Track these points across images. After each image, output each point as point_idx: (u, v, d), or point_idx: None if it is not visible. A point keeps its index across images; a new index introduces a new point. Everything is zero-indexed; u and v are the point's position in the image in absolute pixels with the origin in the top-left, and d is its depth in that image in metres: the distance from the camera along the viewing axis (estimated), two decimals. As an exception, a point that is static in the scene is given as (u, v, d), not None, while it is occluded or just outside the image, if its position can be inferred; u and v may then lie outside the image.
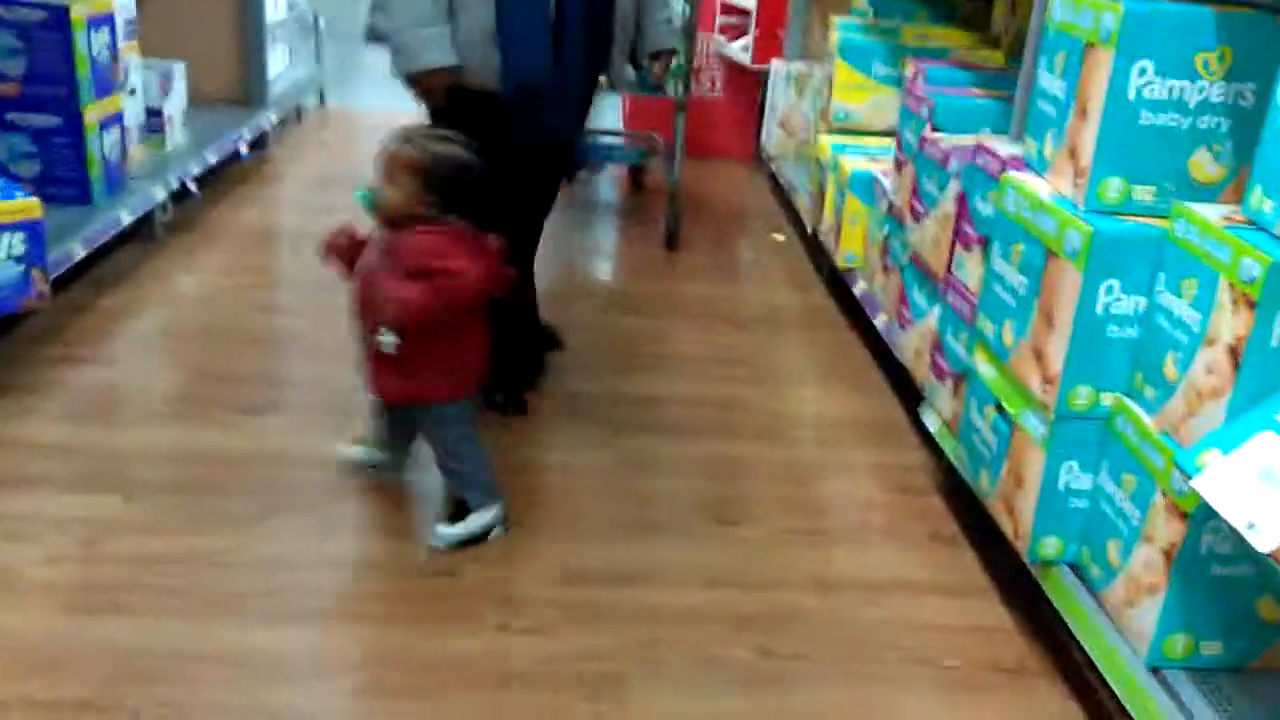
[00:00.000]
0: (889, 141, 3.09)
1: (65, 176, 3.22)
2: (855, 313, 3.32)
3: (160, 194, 3.60)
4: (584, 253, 4.07)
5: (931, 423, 2.44)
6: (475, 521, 2.14)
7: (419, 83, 2.41)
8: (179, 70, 3.99)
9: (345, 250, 2.09)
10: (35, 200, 2.58)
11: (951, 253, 2.38)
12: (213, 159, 4.05)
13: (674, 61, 2.83)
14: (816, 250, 3.85)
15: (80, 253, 3.02)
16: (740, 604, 2.05)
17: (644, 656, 1.89)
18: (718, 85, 5.38)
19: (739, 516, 2.34)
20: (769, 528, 2.31)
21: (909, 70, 2.86)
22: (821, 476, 2.54)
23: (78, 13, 3.13)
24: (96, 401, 2.64)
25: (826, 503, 2.44)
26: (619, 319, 3.38)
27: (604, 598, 2.03)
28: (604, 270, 3.97)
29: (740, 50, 5.17)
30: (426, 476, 2.29)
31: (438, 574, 2.07)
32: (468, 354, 2.09)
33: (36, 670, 1.75)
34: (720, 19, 5.32)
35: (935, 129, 2.63)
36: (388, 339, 1.97)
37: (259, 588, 1.99)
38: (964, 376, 2.23)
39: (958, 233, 2.35)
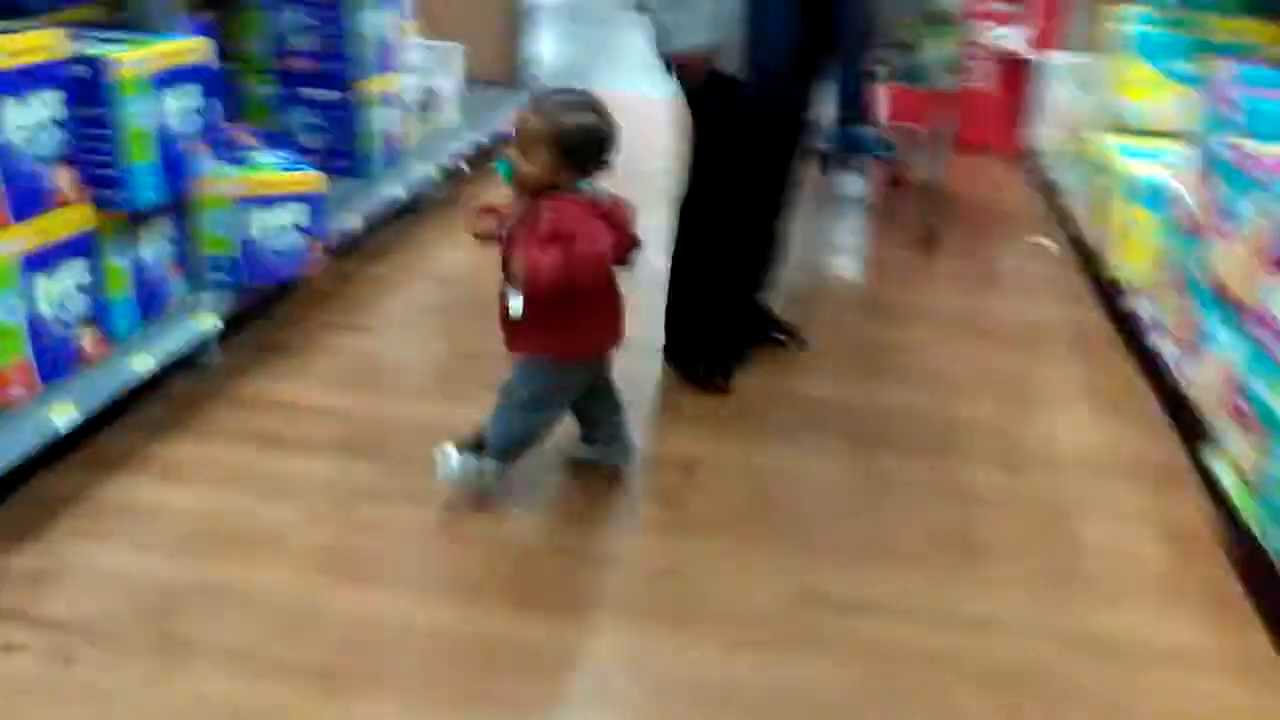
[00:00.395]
0: (1183, 146, 2.80)
1: (346, 150, 3.41)
2: (1131, 334, 3.04)
3: (433, 171, 3.75)
4: (832, 250, 3.94)
5: (1221, 470, 2.18)
6: (482, 464, 2.18)
7: (676, 63, 2.42)
8: (456, 50, 4.15)
9: (490, 226, 2.10)
10: (319, 174, 2.73)
11: (1262, 279, 2.12)
12: (483, 138, 4.20)
13: (921, 51, 2.73)
14: (1088, 261, 3.56)
15: (356, 224, 3.19)
16: (988, 654, 1.89)
17: (880, 698, 1.78)
18: (983, 75, 5.08)
19: (986, 551, 2.18)
20: (1020, 568, 2.13)
21: (1217, 69, 2.57)
22: (1081, 516, 2.33)
23: (368, -6, 3.29)
24: (361, 369, 2.77)
25: (1085, 546, 2.23)
26: (865, 324, 3.25)
27: (840, 625, 1.94)
28: (853, 270, 3.83)
29: (1012, 39, 4.85)
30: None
31: (663, 573, 2.04)
32: (585, 324, 2.09)
33: (283, 631, 1.85)
34: (993, 4, 5.01)
35: (1248, 137, 2.35)
36: (515, 303, 2.02)
37: (501, 570, 2.03)
38: (1270, 425, 1.97)
39: (1271, 257, 2.08)
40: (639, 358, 2.85)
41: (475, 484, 2.20)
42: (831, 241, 3.99)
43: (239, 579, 1.96)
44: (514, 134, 2.00)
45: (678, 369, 2.79)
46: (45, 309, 2.07)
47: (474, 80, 4.50)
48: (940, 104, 3.94)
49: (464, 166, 4.06)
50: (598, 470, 2.35)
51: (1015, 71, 4.98)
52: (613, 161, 2.03)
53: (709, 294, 2.74)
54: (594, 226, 1.97)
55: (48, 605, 1.87)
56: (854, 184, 4.57)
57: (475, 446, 2.19)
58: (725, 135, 2.51)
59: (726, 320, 2.79)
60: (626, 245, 2.06)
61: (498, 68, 4.84)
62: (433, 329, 3.07)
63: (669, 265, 2.75)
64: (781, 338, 2.99)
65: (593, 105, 2.00)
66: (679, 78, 2.47)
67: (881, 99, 4.77)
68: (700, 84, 2.44)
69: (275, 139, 3.05)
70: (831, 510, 2.29)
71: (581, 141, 1.97)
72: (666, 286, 2.77)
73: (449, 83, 4.13)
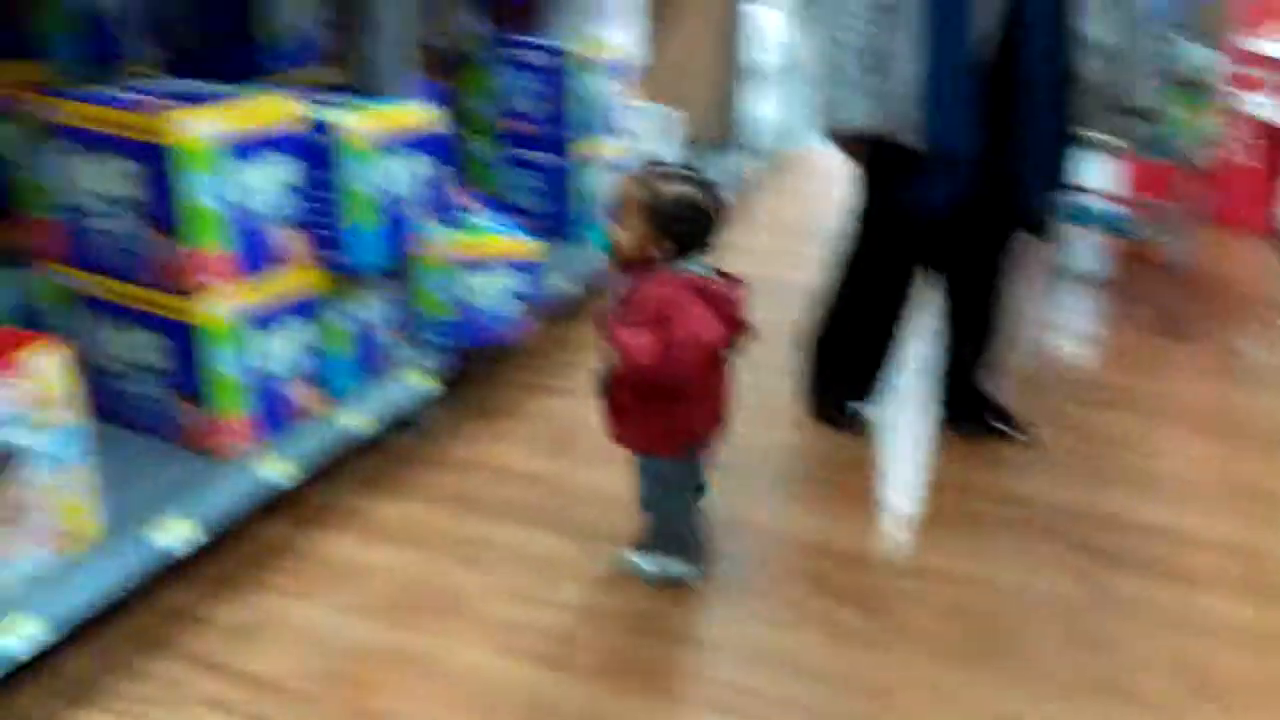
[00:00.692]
0: None
1: (562, 213, 3.44)
2: None
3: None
4: (1058, 330, 3.66)
5: None
6: (662, 564, 2.11)
7: (838, 140, 2.39)
8: (675, 115, 4.14)
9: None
10: (538, 242, 2.74)
11: None
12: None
13: (1158, 120, 2.54)
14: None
15: (568, 287, 3.19)
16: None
17: None
18: (1237, 147, 4.66)
19: (1224, 696, 1.90)
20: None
21: None
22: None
23: (590, 58, 3.32)
24: (564, 435, 2.74)
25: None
26: (1097, 416, 2.97)
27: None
28: (1082, 354, 3.54)
29: (1270, 108, 4.43)
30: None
31: (869, 693, 1.88)
32: (686, 415, 1.95)
33: (468, 707, 1.80)
34: (1244, 70, 4.60)
35: None
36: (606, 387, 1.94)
37: (687, 666, 1.92)
38: None
39: None
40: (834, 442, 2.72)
41: (670, 580, 2.12)
42: (1061, 322, 3.72)
43: (432, 649, 1.94)
44: (613, 203, 1.89)
45: (812, 407, 2.83)
46: (269, 365, 2.13)
47: (691, 143, 4.49)
48: (1189, 178, 3.62)
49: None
50: (789, 564, 2.21)
51: (1274, 143, 4.55)
52: (717, 241, 1.89)
53: (852, 343, 2.75)
54: (696, 310, 1.81)
55: (251, 661, 1.89)
56: (1089, 260, 4.27)
57: (648, 550, 2.12)
58: (891, 212, 2.44)
59: (867, 367, 2.77)
60: (735, 332, 1.90)
61: (715, 130, 4.82)
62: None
63: (821, 304, 2.77)
64: (1002, 427, 2.77)
65: (698, 179, 1.86)
66: (843, 153, 2.44)
67: (1122, 170, 4.46)
68: (862, 162, 2.43)
69: (494, 202, 3.10)
70: (1049, 633, 2.07)
71: (678, 214, 1.83)
72: (815, 323, 2.79)
73: (667, 146, 4.12)
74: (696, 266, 1.87)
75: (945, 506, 2.47)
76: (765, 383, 3.08)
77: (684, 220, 1.83)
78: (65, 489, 1.72)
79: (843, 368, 2.82)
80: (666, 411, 1.93)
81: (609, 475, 2.53)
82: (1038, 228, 2.49)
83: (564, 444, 2.69)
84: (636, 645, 1.98)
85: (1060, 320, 3.72)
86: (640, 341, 1.81)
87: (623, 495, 2.42)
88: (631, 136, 3.82)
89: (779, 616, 2.08)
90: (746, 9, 4.69)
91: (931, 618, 2.08)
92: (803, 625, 2.06)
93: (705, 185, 1.86)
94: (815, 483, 2.57)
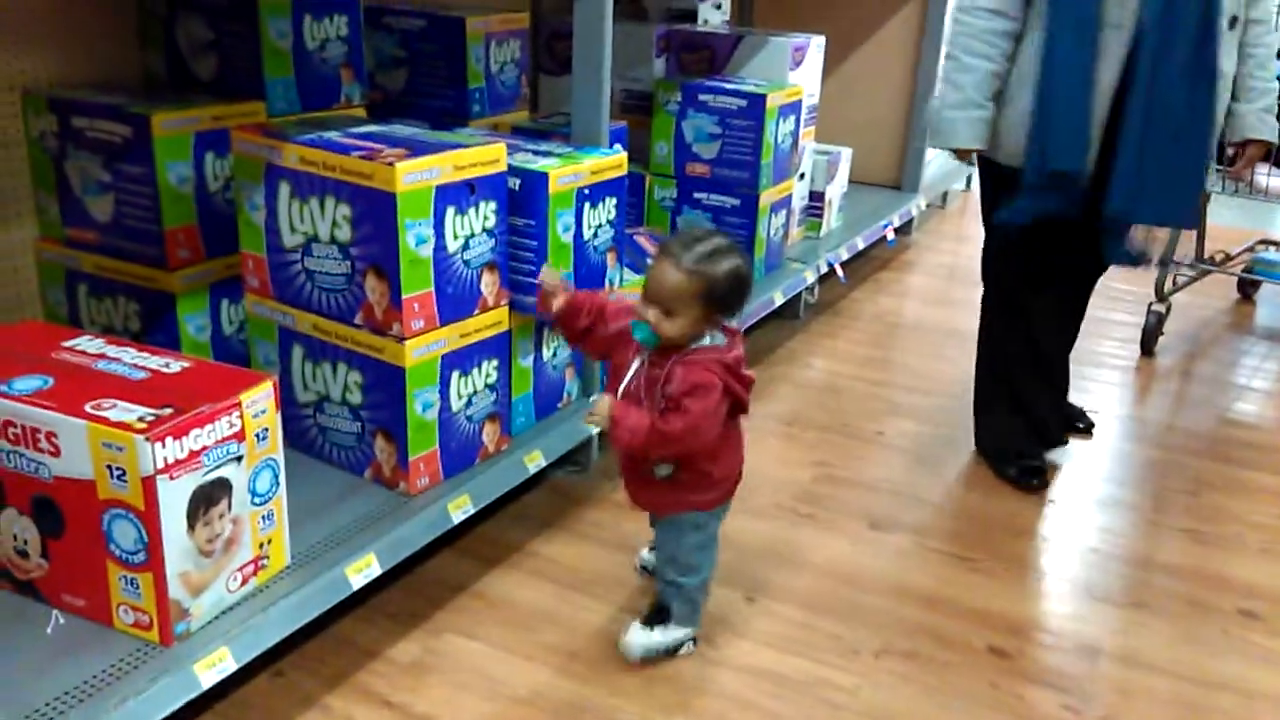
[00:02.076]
0: None
1: (733, 255, 3.41)
2: None
3: (811, 276, 3.68)
4: (1243, 393, 3.43)
5: None
6: (674, 634, 2.04)
7: (956, 152, 2.50)
8: (845, 156, 4.08)
9: (570, 315, 1.94)
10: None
11: None
12: (861, 243, 4.09)
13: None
14: None
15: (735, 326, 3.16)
16: None
17: None
18: None
19: None
20: None
21: None
22: None
23: (772, 102, 3.29)
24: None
25: None
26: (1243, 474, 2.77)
27: None
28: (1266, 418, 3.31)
29: None
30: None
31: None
32: (726, 463, 1.95)
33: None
34: None
35: None
36: (662, 470, 1.90)
37: (866, 745, 1.85)
38: None
39: None
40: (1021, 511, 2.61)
41: (683, 654, 2.06)
42: (1242, 382, 3.49)
43: (600, 703, 1.92)
44: (650, 291, 1.80)
45: (990, 465, 2.83)
46: (457, 405, 2.16)
47: (856, 183, 4.41)
48: None
49: (840, 272, 3.97)
50: (970, 647, 2.12)
51: None
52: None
53: (1014, 393, 2.76)
54: (718, 389, 1.79)
55: (423, 700, 1.91)
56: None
57: (661, 621, 2.04)
58: (1012, 237, 2.53)
59: (1037, 419, 2.77)
60: (746, 389, 1.88)
61: (884, 171, 4.73)
62: (793, 444, 2.96)
63: (978, 357, 2.85)
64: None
65: (730, 246, 1.81)
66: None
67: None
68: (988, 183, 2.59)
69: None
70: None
71: (733, 288, 1.80)
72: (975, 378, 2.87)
73: (835, 187, 4.06)
74: (718, 338, 1.86)
75: (1160, 588, 2.33)
76: (931, 435, 2.99)
77: (736, 293, 1.81)
78: (264, 520, 1.77)
79: (1009, 409, 2.79)
80: (712, 466, 1.92)
81: (758, 524, 2.50)
82: (1133, 259, 2.52)
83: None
84: (812, 715, 1.92)
85: (1243, 380, 3.48)
86: (676, 427, 1.78)
87: (783, 552, 2.39)
88: (801, 177, 3.78)
89: (964, 697, 1.99)
90: (927, 52, 4.59)
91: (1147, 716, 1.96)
92: (995, 708, 1.96)
93: (738, 250, 1.83)
94: (988, 545, 2.46)
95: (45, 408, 1.57)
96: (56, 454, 1.57)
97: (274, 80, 2.36)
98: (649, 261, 2.71)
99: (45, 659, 1.61)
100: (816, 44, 3.74)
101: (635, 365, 1.85)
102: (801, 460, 2.86)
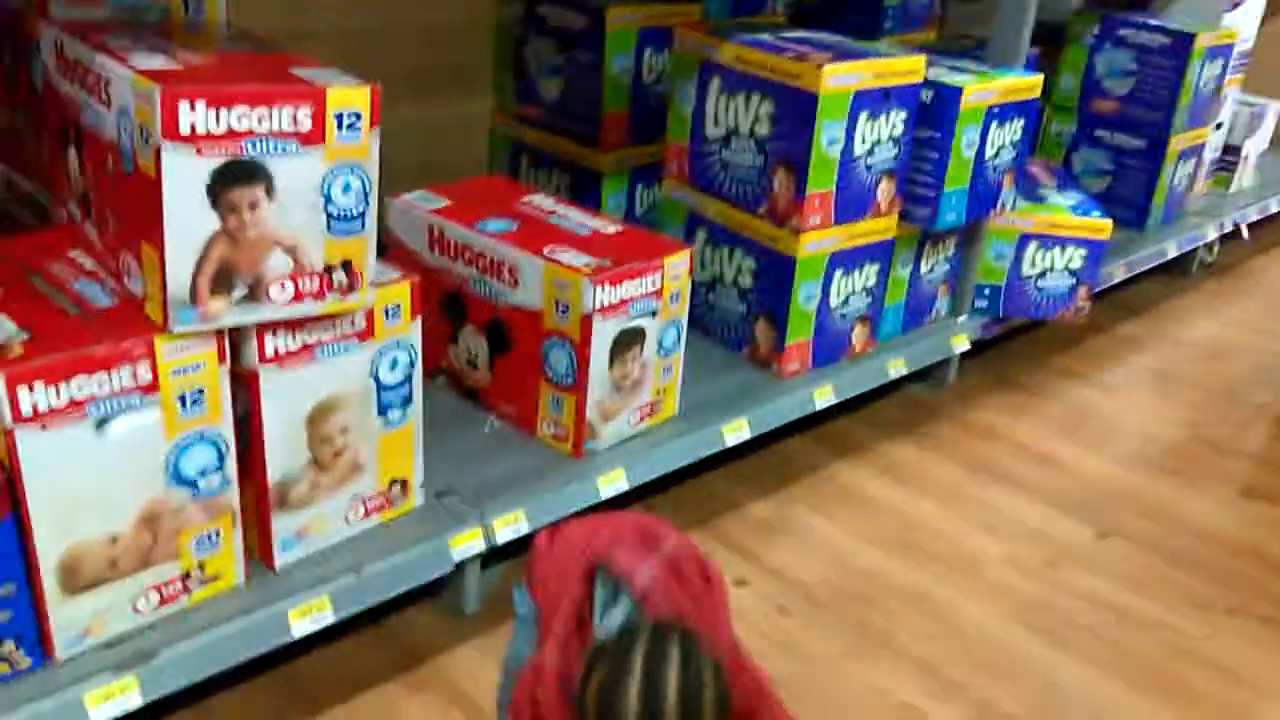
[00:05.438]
0: None
1: (1129, 199, 3.29)
2: None
3: (1211, 233, 3.47)
4: None
5: None
6: None
7: None
8: (1272, 111, 3.76)
9: None
10: (1108, 222, 2.67)
11: None
12: (1274, 207, 3.78)
13: None
14: None
15: (1119, 275, 3.08)
16: None
17: None
18: None
19: None
20: None
21: None
22: None
23: (1201, 42, 3.11)
24: (1088, 424, 2.69)
25: None
26: None
27: None
28: None
29: None
30: None
31: None
32: None
33: (972, 663, 1.88)
34: None
35: None
36: None
37: (1203, 687, 1.85)
38: None
39: None
40: None
41: None
42: None
43: (937, 594, 2.04)
44: None
45: None
46: (835, 302, 2.32)
47: (1283, 142, 4.05)
48: None
49: (1244, 233, 3.69)
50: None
51: None
52: None
53: None
54: None
55: (772, 555, 2.12)
56: None
57: None
58: None
59: None
60: None
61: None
62: (1168, 400, 2.86)
63: None
64: None
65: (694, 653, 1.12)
66: None
67: None
68: None
69: (1067, 177, 3.05)
70: None
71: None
72: None
73: (1254, 143, 3.76)
74: None
75: None
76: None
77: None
78: (664, 371, 2.02)
79: None
80: None
81: (1116, 467, 2.50)
82: None
83: (1084, 433, 2.65)
84: (1155, 654, 1.94)
85: None
86: None
87: (1129, 492, 2.37)
88: (1218, 127, 3.54)
89: (1316, 671, 1.92)
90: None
91: None
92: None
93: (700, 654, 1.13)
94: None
95: (512, 245, 1.89)
96: (515, 285, 1.89)
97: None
98: (1042, 192, 2.70)
99: (481, 452, 1.95)
100: (1262, -17, 3.46)
101: None
102: (1174, 418, 2.77)
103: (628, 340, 1.90)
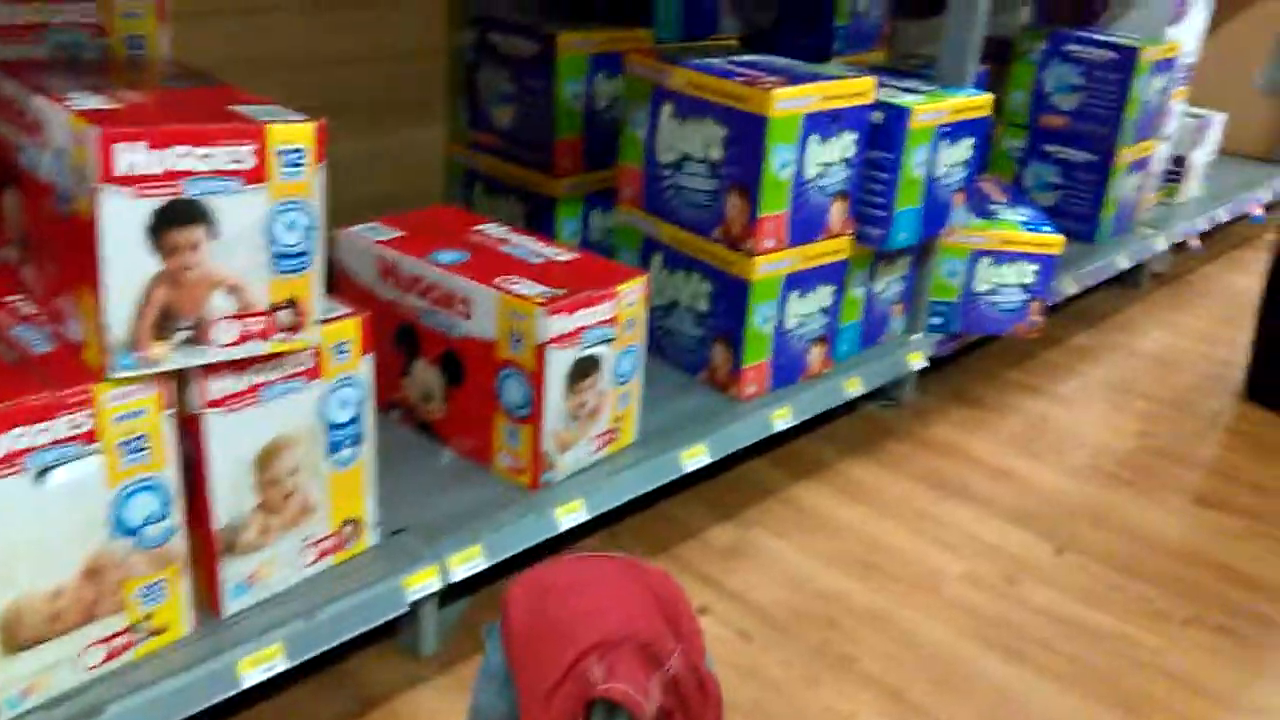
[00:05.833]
0: None
1: (1078, 212, 3.33)
2: None
3: (1161, 244, 3.53)
4: None
5: None
6: None
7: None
8: (1217, 121, 3.83)
9: None
10: (1060, 237, 2.70)
11: None
12: (1224, 216, 3.84)
13: None
14: None
15: (1071, 289, 3.11)
16: None
17: None
18: None
19: None
20: None
21: None
22: None
23: (1146, 56, 3.16)
24: (1044, 437, 2.71)
25: None
26: None
27: None
28: None
29: None
30: None
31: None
32: None
33: (932, 683, 1.88)
34: None
35: None
36: None
37: (1162, 698, 1.87)
38: None
39: None
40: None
41: None
42: None
43: (897, 614, 2.04)
44: None
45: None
46: (791, 324, 2.32)
47: (1228, 153, 4.12)
48: None
49: (1194, 244, 3.75)
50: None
51: None
52: None
53: None
54: None
55: (733, 580, 2.11)
56: None
57: None
58: None
59: None
60: None
61: (1259, 141, 4.37)
62: (1118, 411, 2.89)
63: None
64: None
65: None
66: None
67: None
68: None
69: (1017, 193, 3.08)
70: None
71: None
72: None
73: (1200, 153, 3.82)
74: None
75: None
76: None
77: None
78: (621, 398, 2.01)
79: None
80: None
81: (1071, 480, 2.52)
82: None
83: (1032, 443, 2.68)
84: (1114, 666, 1.95)
85: None
86: None
87: (1085, 504, 2.39)
88: (1164, 139, 3.60)
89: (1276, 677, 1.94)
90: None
91: None
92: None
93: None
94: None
95: (465, 276, 1.88)
96: (468, 317, 1.88)
97: (663, 9, 2.58)
98: (993, 208, 2.73)
99: (435, 486, 1.93)
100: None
101: None
102: (1127, 428, 2.80)
103: (583, 369, 1.89)
